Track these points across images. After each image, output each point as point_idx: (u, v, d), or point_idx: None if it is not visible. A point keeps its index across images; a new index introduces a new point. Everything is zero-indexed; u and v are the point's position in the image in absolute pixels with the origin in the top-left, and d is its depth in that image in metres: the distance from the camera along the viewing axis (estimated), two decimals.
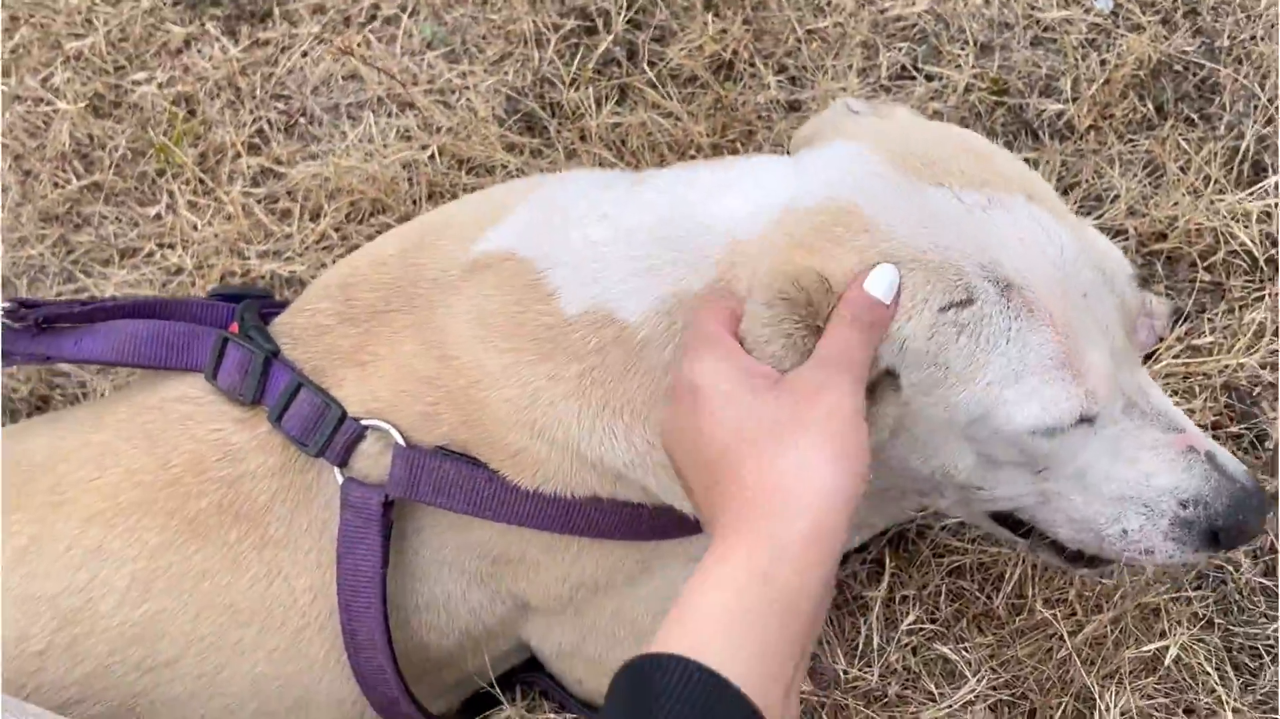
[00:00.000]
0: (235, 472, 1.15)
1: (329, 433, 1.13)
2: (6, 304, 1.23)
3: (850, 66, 1.76)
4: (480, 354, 1.12)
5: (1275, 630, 1.27)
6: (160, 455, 1.16)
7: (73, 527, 1.15)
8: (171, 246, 1.66)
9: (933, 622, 1.32)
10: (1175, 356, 1.47)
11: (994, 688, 1.28)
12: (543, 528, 1.14)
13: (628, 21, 1.80)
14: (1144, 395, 1.03)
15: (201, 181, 1.70)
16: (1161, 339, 1.50)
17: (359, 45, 1.81)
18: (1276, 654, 1.26)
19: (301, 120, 1.77)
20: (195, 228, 1.66)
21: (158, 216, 1.69)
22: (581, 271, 1.09)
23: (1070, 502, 1.05)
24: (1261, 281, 1.53)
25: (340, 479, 1.14)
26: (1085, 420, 0.99)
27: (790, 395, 0.91)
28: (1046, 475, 1.04)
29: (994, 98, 1.70)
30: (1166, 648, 1.23)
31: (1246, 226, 1.54)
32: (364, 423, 1.14)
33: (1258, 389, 1.44)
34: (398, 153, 1.67)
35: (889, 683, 1.29)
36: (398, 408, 1.14)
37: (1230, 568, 1.30)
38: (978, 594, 1.34)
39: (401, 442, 1.12)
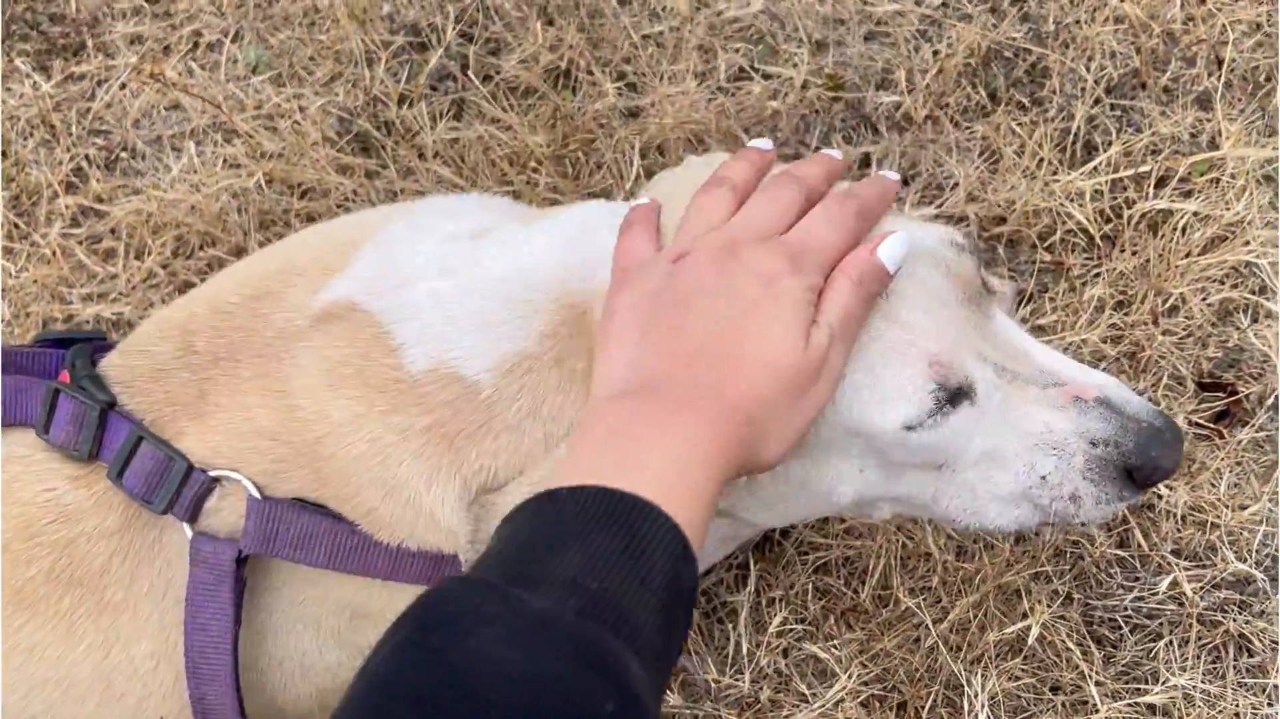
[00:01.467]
0: (69, 533, 1.07)
1: (176, 487, 1.06)
2: None
3: (688, 70, 1.74)
4: (327, 404, 1.07)
5: (1131, 601, 1.28)
6: None
7: None
8: None
9: (801, 622, 1.31)
10: None
11: (865, 683, 1.27)
12: (411, 581, 1.09)
13: (460, 35, 1.76)
14: (1014, 359, 1.00)
15: (16, 226, 1.61)
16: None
17: (180, 75, 1.73)
18: (1135, 624, 1.27)
19: (123, 155, 1.69)
20: (11, 274, 1.57)
21: None
22: (426, 328, 1.06)
23: (993, 482, 1.02)
24: (1099, 258, 1.55)
25: (190, 534, 1.07)
26: (961, 396, 0.97)
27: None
28: (952, 468, 1.01)
29: (831, 94, 1.70)
30: (1029, 628, 1.23)
31: (1081, 205, 1.57)
32: (214, 474, 1.07)
33: (1101, 364, 1.46)
34: (224, 182, 1.60)
35: (760, 688, 1.27)
36: (243, 464, 1.07)
37: (1085, 542, 1.31)
38: (844, 589, 1.33)
39: (256, 494, 1.06)
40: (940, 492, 1.03)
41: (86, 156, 1.67)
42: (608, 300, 0.98)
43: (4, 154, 1.68)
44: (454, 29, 1.75)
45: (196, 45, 1.78)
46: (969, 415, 0.98)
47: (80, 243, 1.60)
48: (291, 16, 1.79)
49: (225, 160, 1.65)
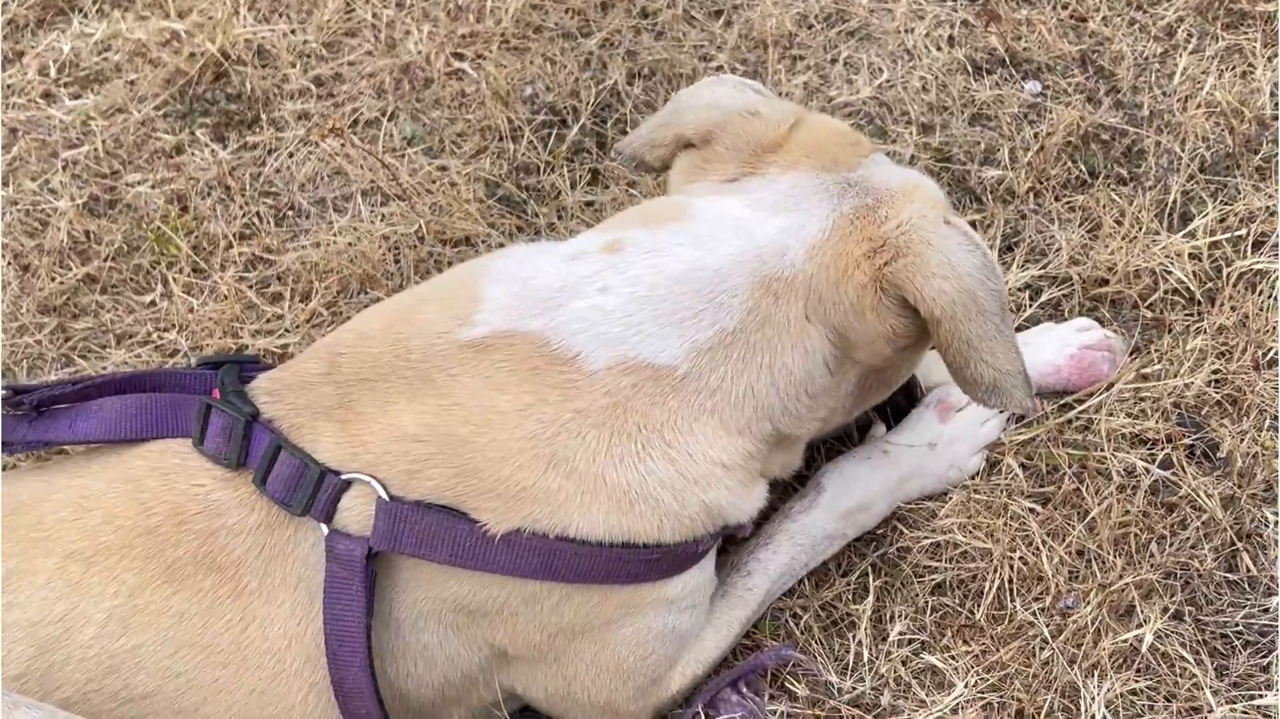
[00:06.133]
0: (212, 525, 1.21)
1: (311, 491, 1.19)
2: (2, 392, 1.28)
3: None
4: (495, 400, 1.19)
5: (1242, 618, 1.33)
6: (142, 503, 1.22)
7: (52, 562, 1.19)
8: (167, 330, 1.72)
9: (920, 630, 1.37)
10: (1128, 383, 1.57)
11: (981, 693, 1.32)
12: (524, 576, 1.20)
13: (594, 116, 1.93)
14: None
15: (195, 269, 1.78)
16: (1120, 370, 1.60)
17: (342, 145, 1.92)
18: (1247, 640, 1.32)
19: (290, 214, 1.87)
20: (191, 310, 1.73)
21: (152, 303, 1.76)
22: (603, 334, 1.20)
23: None
24: (1199, 315, 1.64)
25: (325, 531, 1.19)
26: None
27: None
28: None
29: (940, 164, 1.83)
30: (1143, 636, 1.28)
31: (1181, 265, 1.66)
32: (346, 476, 1.19)
33: (1204, 409, 1.53)
34: (387, 228, 1.76)
35: (881, 694, 1.33)
36: (381, 465, 1.20)
37: (1195, 563, 1.37)
38: (959, 608, 1.40)
39: (385, 495, 1.18)
40: None
41: (258, 214, 1.85)
42: None
43: (184, 210, 1.86)
44: (588, 111, 1.93)
45: (356, 122, 1.97)
46: None
47: (251, 286, 1.76)
48: (441, 99, 1.98)
49: (383, 218, 1.82)
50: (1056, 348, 1.58)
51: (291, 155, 1.92)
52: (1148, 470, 1.44)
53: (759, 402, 1.22)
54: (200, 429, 1.23)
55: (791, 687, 1.33)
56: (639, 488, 1.18)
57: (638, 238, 1.25)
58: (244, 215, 1.84)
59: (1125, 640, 1.29)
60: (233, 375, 1.29)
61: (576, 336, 1.20)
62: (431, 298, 1.30)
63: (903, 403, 1.52)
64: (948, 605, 1.40)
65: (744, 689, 1.31)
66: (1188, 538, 1.39)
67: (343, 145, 1.90)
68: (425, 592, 1.22)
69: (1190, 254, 1.67)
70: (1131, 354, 1.61)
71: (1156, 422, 1.51)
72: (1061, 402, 1.58)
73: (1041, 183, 1.82)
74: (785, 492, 1.46)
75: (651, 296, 1.21)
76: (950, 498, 1.46)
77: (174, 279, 1.77)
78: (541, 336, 1.21)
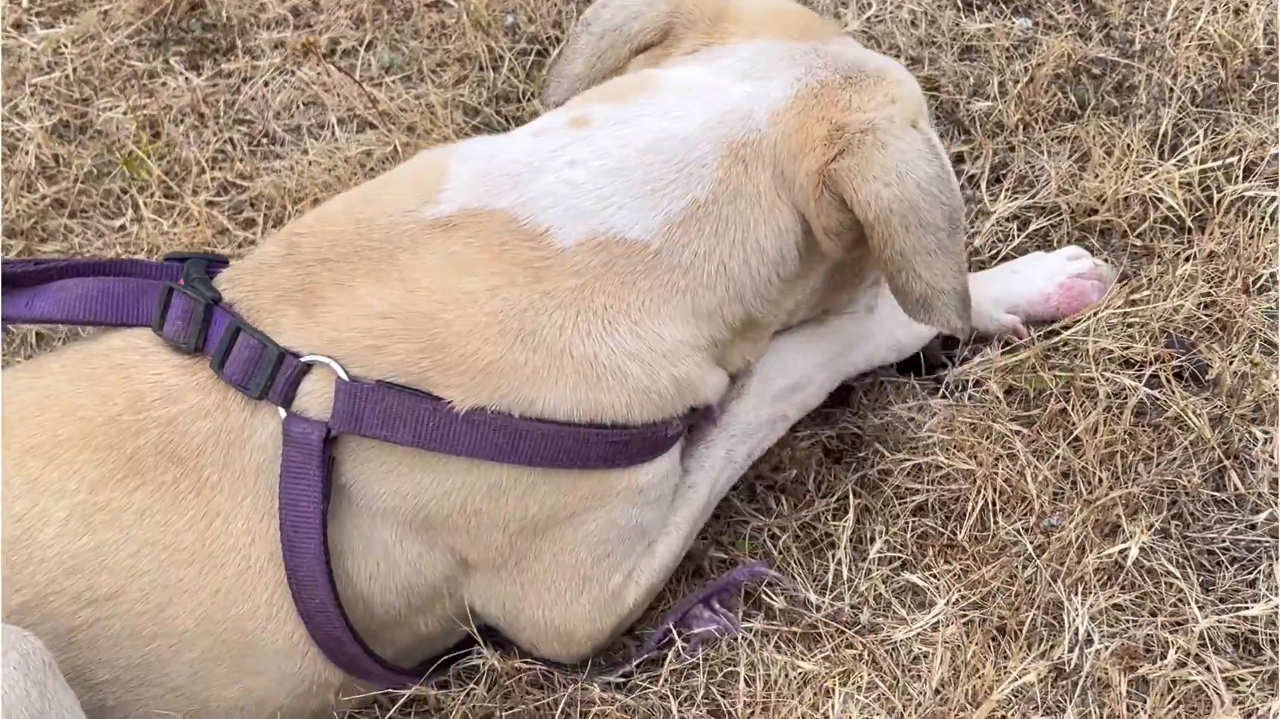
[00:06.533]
0: (171, 412, 1.17)
1: (269, 372, 1.16)
2: None
3: None
4: (460, 281, 1.17)
5: (1230, 534, 1.30)
6: (101, 394, 1.19)
7: (9, 458, 1.16)
8: (137, 253, 1.69)
9: (901, 548, 1.34)
10: (1115, 308, 1.54)
11: (963, 610, 1.29)
12: (489, 457, 1.16)
13: None
14: None
15: (167, 193, 1.75)
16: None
17: (319, 74, 1.88)
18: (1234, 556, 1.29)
19: (264, 141, 1.83)
20: (162, 233, 1.70)
21: (123, 228, 1.73)
22: (573, 208, 1.18)
23: None
24: (1189, 243, 1.60)
25: (283, 415, 1.16)
26: None
27: None
28: None
29: (928, 94, 1.79)
30: (1128, 550, 1.25)
31: (1172, 193, 1.63)
32: (306, 358, 1.16)
33: (1194, 333, 1.50)
34: (359, 156, 1.73)
35: (860, 611, 1.30)
36: (343, 344, 1.17)
37: (1182, 482, 1.34)
38: (940, 529, 1.37)
39: (344, 376, 1.15)
40: None
41: (231, 140, 1.81)
42: None
43: (156, 136, 1.83)
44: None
45: (334, 51, 1.93)
46: None
47: (224, 211, 1.73)
48: (420, 30, 1.94)
49: (359, 144, 1.78)
50: (1046, 277, 1.55)
51: (267, 84, 1.88)
52: (1135, 390, 1.41)
53: (731, 280, 1.20)
54: (161, 313, 1.21)
55: (769, 600, 1.30)
56: (607, 360, 1.16)
57: (604, 112, 1.23)
58: (217, 141, 1.81)
59: (1110, 556, 1.27)
60: (199, 267, 1.26)
61: (546, 211, 1.18)
62: (398, 179, 1.28)
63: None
64: (929, 526, 1.37)
65: (716, 606, 1.28)
66: (1175, 457, 1.36)
67: (319, 74, 1.87)
68: (387, 486, 1.19)
69: (1181, 182, 1.64)
70: (1120, 280, 1.58)
71: (1145, 345, 1.48)
72: (1048, 329, 1.55)
73: (1031, 114, 1.78)
74: None
75: (621, 168, 1.18)
76: (933, 416, 1.42)
77: (144, 203, 1.73)
78: (509, 213, 1.19)
